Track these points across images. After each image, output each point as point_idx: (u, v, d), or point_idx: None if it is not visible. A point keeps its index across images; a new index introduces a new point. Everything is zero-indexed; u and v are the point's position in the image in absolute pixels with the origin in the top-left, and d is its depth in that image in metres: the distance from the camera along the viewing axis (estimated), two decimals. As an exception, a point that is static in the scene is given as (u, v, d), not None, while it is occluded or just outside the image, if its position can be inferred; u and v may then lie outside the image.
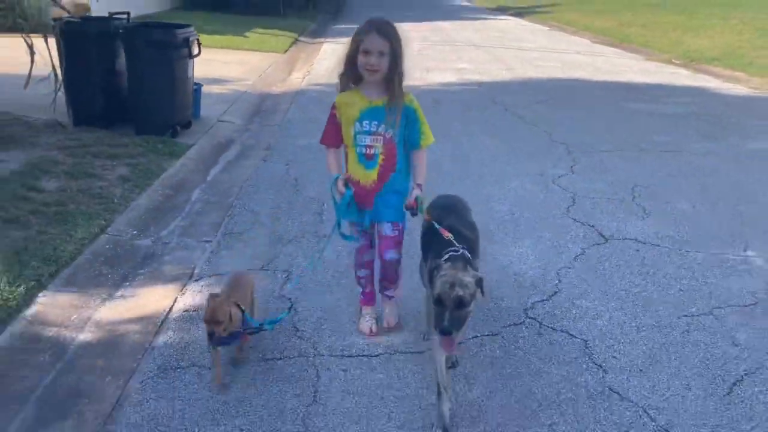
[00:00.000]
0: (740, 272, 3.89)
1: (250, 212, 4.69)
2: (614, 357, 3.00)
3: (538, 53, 14.01)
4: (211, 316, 2.65)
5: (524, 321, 3.29)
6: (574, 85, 10.29)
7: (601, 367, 2.92)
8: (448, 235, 2.64)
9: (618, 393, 2.75)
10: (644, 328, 3.24)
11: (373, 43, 2.73)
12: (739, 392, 2.77)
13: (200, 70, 6.88)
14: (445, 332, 2.37)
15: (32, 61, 5.62)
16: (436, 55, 12.96)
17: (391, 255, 3.08)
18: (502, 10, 27.06)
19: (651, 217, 4.69)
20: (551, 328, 3.23)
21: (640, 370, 2.91)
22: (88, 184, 4.77)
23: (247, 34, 14.23)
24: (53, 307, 3.27)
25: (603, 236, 4.31)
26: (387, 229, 3.04)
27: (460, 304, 2.38)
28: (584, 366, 2.93)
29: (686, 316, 3.37)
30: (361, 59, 2.77)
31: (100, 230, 4.11)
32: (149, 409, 2.61)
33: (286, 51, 13.02)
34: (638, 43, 16.03)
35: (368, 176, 2.93)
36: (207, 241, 4.19)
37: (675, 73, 11.86)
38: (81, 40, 6.04)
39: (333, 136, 2.99)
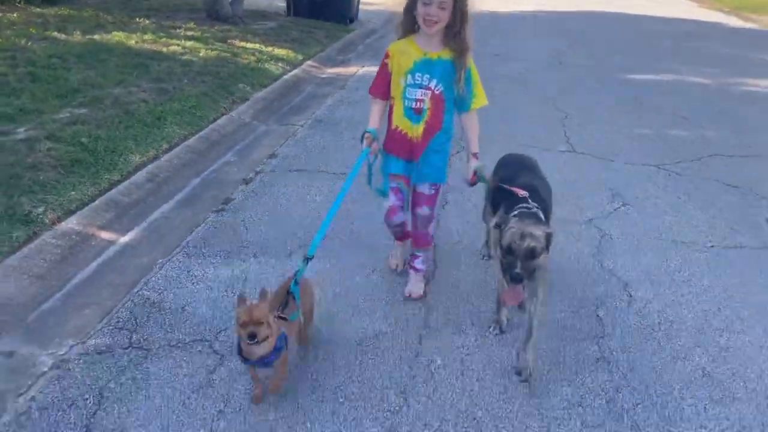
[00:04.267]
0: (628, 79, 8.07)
1: (388, 53, 9.33)
2: (535, 83, 7.34)
3: (610, -3, 17.61)
4: (249, 315, 2.21)
5: (515, 79, 7.71)
6: (619, 15, 14.09)
7: (529, 90, 7.27)
8: (523, 193, 2.64)
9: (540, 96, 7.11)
10: (561, 87, 7.51)
11: None
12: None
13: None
14: (516, 279, 2.41)
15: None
16: (525, -6, 17.05)
17: (424, 210, 3.04)
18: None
19: (594, 59, 8.89)
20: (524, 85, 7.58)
21: (559, 92, 7.24)
22: (308, 36, 9.58)
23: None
24: (309, 66, 8.08)
25: (561, 63, 8.60)
26: (425, 188, 2.99)
27: (531, 254, 2.41)
28: (520, 86, 7.25)
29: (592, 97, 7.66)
30: (419, 9, 2.66)
31: (320, 50, 8.93)
32: (357, 85, 7.27)
33: (411, -11, 17.45)
34: (703, -6, 19.05)
35: (415, 130, 2.87)
36: (367, 60, 8.87)
37: (710, 14, 15.19)
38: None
39: (382, 86, 2.90)
